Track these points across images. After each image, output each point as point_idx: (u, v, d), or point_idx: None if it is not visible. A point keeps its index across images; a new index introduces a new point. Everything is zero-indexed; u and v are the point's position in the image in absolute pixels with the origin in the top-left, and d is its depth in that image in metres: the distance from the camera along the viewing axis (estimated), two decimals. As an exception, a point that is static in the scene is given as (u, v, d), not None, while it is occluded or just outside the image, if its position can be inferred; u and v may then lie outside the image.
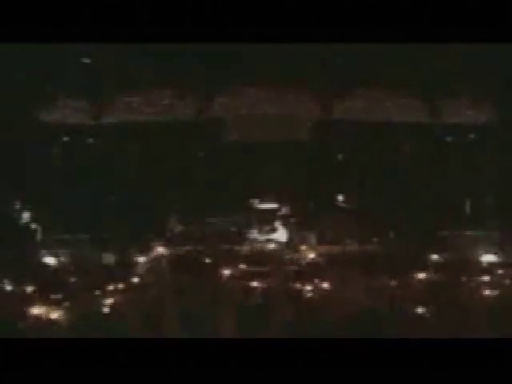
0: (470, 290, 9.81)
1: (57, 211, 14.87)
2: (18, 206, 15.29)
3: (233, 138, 14.59)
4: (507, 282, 10.42)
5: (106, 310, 8.96)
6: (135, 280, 10.68)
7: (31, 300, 8.98)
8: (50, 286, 9.85)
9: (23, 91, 12.14)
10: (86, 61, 11.78)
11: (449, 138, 15.68)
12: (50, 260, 12.69)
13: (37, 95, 12.69)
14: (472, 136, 15.49)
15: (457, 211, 15.20)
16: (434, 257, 12.40)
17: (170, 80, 12.65)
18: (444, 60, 11.75)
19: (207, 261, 12.53)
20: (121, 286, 10.17)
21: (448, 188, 14.84)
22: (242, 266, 12.04)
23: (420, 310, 8.51)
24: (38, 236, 14.50)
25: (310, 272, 11.29)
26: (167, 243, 14.30)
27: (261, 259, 12.84)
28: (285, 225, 14.93)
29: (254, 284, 10.33)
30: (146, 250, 13.39)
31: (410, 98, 13.58)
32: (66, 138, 15.72)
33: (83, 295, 9.36)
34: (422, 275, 10.78)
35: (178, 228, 15.07)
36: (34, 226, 15.15)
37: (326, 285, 10.09)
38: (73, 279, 10.43)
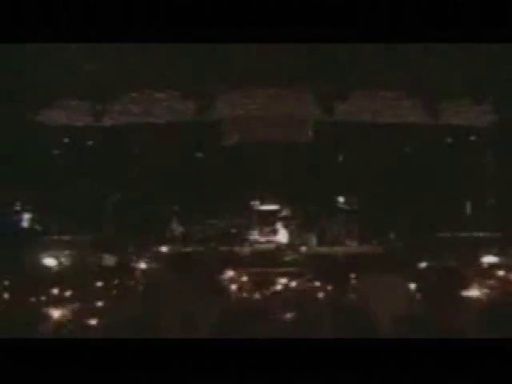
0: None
1: (57, 212, 14.91)
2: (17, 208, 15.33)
3: (233, 138, 14.60)
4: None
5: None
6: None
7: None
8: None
9: (23, 91, 12.14)
10: (86, 61, 11.77)
11: (449, 139, 15.70)
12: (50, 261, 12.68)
13: (37, 95, 12.69)
14: (472, 137, 15.51)
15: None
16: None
17: (170, 80, 12.65)
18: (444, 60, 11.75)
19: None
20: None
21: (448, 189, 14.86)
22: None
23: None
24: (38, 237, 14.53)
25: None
26: (168, 244, 14.34)
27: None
28: (285, 226, 14.95)
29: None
30: (146, 251, 13.39)
31: (410, 99, 13.59)
32: (66, 139, 15.77)
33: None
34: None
35: (179, 229, 15.09)
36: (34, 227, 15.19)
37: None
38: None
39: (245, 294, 9.96)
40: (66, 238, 14.19)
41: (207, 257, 12.72)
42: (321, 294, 9.59)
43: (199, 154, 15.27)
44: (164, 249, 13.98)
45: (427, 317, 7.07)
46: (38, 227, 15.18)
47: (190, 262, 12.34)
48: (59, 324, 7.56)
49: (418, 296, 8.67)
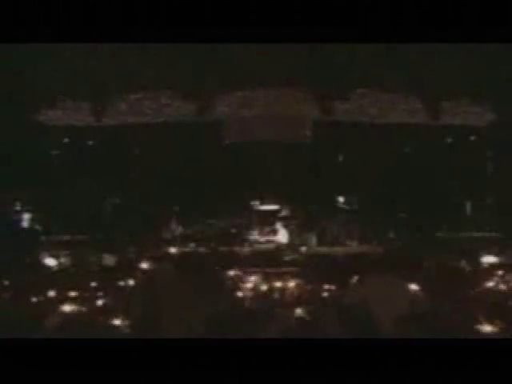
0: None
1: (57, 212, 14.91)
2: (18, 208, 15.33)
3: (233, 138, 14.59)
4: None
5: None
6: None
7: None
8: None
9: (23, 91, 12.15)
10: (87, 61, 11.77)
11: (449, 139, 15.70)
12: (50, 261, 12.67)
13: (37, 95, 12.70)
14: (472, 137, 15.51)
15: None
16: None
17: (170, 80, 12.65)
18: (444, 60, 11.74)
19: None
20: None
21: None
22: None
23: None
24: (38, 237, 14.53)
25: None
26: (167, 244, 14.32)
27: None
28: (285, 226, 14.93)
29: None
30: (145, 251, 13.37)
31: (410, 99, 13.59)
32: (66, 139, 15.77)
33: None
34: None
35: (179, 229, 15.08)
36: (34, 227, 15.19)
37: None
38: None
39: (244, 294, 9.95)
40: (65, 237, 14.18)
41: (207, 257, 12.73)
42: (321, 294, 9.59)
43: (199, 154, 15.23)
44: (164, 249, 13.96)
45: (427, 317, 7.08)
46: (38, 227, 15.18)
47: (190, 262, 12.36)
48: (59, 324, 7.57)
49: (419, 296, 8.68)
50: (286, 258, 13.21)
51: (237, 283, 10.58)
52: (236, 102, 13.62)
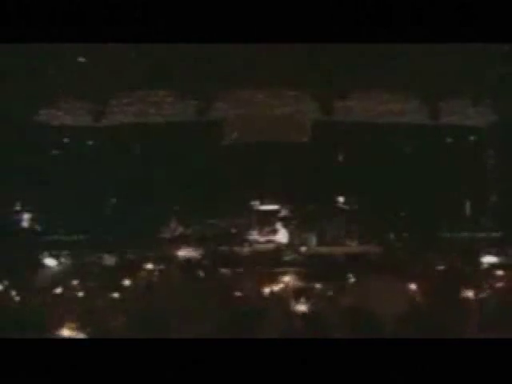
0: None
1: (57, 212, 14.92)
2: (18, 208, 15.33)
3: (233, 138, 14.60)
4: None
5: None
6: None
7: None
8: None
9: (23, 91, 12.15)
10: (86, 61, 11.78)
11: (449, 139, 15.71)
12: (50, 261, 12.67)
13: (37, 95, 12.70)
14: (472, 137, 15.52)
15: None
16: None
17: (170, 80, 12.66)
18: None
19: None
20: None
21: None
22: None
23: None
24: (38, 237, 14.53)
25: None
26: (167, 244, 14.33)
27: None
28: (285, 226, 14.94)
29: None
30: (145, 251, 13.37)
31: (410, 99, 13.60)
32: (66, 139, 15.78)
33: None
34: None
35: (179, 229, 15.08)
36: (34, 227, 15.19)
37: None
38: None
39: (244, 294, 9.94)
40: (66, 238, 14.20)
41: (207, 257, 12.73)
42: (321, 294, 9.59)
43: (199, 154, 15.25)
44: (164, 249, 13.97)
45: (426, 317, 7.08)
46: (37, 227, 15.18)
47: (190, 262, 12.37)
48: (59, 324, 7.57)
49: (418, 296, 8.68)
50: (286, 258, 13.21)
51: (237, 283, 10.57)
52: (236, 102, 13.63)
